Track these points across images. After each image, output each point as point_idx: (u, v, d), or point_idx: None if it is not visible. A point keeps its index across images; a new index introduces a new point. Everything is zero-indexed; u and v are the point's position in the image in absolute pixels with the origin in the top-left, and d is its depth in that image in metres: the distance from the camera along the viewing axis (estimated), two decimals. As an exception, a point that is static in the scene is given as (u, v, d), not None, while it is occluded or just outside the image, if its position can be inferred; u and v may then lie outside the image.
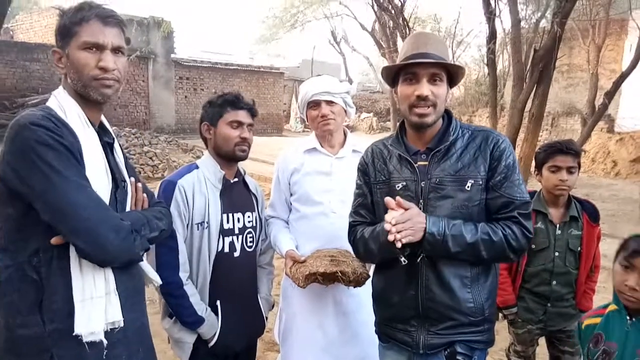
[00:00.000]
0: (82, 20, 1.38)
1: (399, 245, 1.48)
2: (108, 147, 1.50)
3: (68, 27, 1.39)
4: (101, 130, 1.49)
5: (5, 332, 1.37)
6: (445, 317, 1.66)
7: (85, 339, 1.33)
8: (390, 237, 1.48)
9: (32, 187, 1.27)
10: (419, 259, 1.63)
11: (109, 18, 1.41)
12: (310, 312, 2.26)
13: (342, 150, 2.31)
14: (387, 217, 1.52)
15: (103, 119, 1.53)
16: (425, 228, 1.53)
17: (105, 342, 1.37)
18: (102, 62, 1.39)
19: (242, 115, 2.07)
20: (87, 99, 1.42)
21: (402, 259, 1.57)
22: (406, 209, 1.53)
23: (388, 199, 1.55)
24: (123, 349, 1.47)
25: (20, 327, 1.34)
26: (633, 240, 1.55)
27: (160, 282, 1.66)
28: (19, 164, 1.27)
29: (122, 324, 1.41)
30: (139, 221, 1.47)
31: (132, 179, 1.59)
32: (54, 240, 1.31)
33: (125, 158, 1.61)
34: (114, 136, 1.56)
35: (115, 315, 1.39)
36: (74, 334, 1.32)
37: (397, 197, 1.55)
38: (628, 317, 1.53)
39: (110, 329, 1.39)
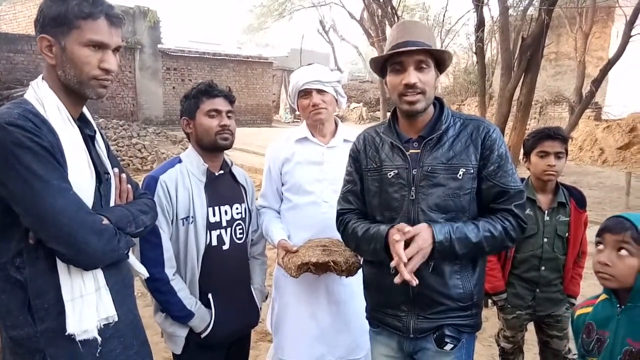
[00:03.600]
0: (89, 16, 1.32)
1: (414, 283, 1.49)
2: (90, 140, 1.46)
3: (68, 17, 1.31)
4: (82, 123, 1.45)
5: (3, 332, 1.36)
6: (435, 303, 1.68)
7: (78, 338, 1.32)
8: (398, 277, 1.49)
9: (10, 190, 1.23)
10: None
11: (116, 19, 1.38)
12: (302, 301, 2.27)
13: (334, 139, 2.30)
14: (397, 253, 1.49)
15: (85, 110, 1.48)
16: (434, 240, 1.54)
17: (99, 339, 1.35)
18: (106, 64, 1.36)
19: (219, 103, 2.03)
20: (77, 95, 1.39)
21: (394, 269, 1.56)
22: (412, 235, 1.52)
23: (396, 237, 1.52)
24: (117, 343, 1.46)
25: (12, 328, 1.33)
26: (605, 220, 1.58)
27: (147, 274, 1.65)
28: None
29: (116, 319, 1.40)
30: (124, 218, 1.44)
31: (116, 169, 1.56)
32: (31, 239, 1.29)
33: (108, 148, 1.57)
34: (95, 128, 1.51)
35: (107, 311, 1.37)
36: (66, 333, 1.30)
37: (401, 225, 1.55)
38: (618, 305, 1.55)
39: (104, 324, 1.38)
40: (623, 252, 1.48)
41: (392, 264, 1.52)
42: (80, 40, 1.32)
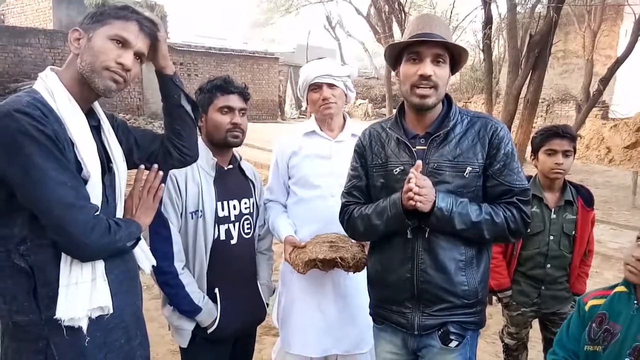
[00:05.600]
0: (122, 18, 1.41)
1: (418, 206, 1.52)
2: (95, 130, 1.47)
3: (104, 15, 1.39)
4: (89, 113, 1.46)
5: (6, 317, 1.37)
6: (440, 299, 1.67)
7: (64, 324, 1.32)
8: (411, 201, 1.52)
9: (11, 177, 1.26)
10: (421, 238, 1.65)
11: (146, 26, 1.45)
12: (309, 295, 2.27)
13: (342, 134, 2.30)
14: (411, 179, 1.52)
15: (95, 104, 1.50)
16: (435, 202, 1.55)
17: (85, 330, 1.35)
18: (122, 59, 1.39)
19: (233, 100, 2.03)
20: (87, 87, 1.40)
21: (409, 231, 1.61)
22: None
23: (416, 166, 1.56)
24: (121, 334, 1.47)
25: (17, 313, 1.34)
26: None
27: (148, 271, 1.64)
28: (0, 152, 1.25)
29: (111, 310, 1.40)
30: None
31: (155, 165, 1.59)
32: None
33: (120, 141, 1.58)
34: (99, 118, 1.52)
35: (101, 301, 1.37)
36: (54, 317, 1.31)
37: (418, 162, 1.57)
38: (636, 302, 1.55)
39: (99, 315, 1.38)
40: None
41: (410, 185, 1.52)
42: (107, 34, 1.38)
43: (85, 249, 1.31)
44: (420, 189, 1.52)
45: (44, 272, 1.32)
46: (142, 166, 1.59)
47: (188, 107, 1.65)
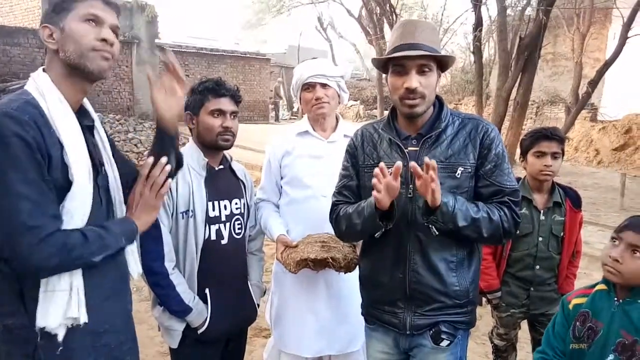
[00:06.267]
0: None
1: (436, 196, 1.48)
2: (88, 131, 1.45)
3: (66, 2, 1.36)
4: (80, 114, 1.44)
5: None
6: (432, 300, 1.69)
7: (43, 330, 1.30)
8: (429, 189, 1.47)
9: None
10: (413, 239, 1.66)
11: (110, 1, 1.42)
12: (302, 295, 2.28)
13: (334, 134, 2.31)
14: (420, 171, 1.47)
15: (85, 101, 1.48)
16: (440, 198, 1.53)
17: (60, 339, 1.32)
18: (103, 34, 1.37)
19: (225, 103, 2.02)
20: (80, 74, 1.38)
21: (380, 232, 1.61)
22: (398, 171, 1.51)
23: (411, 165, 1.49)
24: (113, 338, 1.45)
25: (6, 316, 1.33)
26: (629, 218, 1.61)
27: (136, 276, 1.59)
28: None
29: (85, 321, 1.35)
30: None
31: (164, 159, 1.51)
32: None
33: (112, 145, 1.57)
34: (93, 118, 1.50)
35: (75, 312, 1.33)
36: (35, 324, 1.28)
37: (412, 163, 1.51)
38: (615, 299, 1.58)
39: (75, 324, 1.34)
40: (638, 254, 1.51)
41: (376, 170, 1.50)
42: (77, 17, 1.35)
43: (30, 269, 1.26)
44: (433, 180, 1.47)
45: (30, 277, 1.30)
46: (150, 159, 1.51)
47: (173, 164, 1.58)
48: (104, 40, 1.37)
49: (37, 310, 1.29)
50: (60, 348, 1.34)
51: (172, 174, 1.58)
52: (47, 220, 1.26)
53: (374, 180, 1.51)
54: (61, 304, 1.31)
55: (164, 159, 1.51)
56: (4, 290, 1.32)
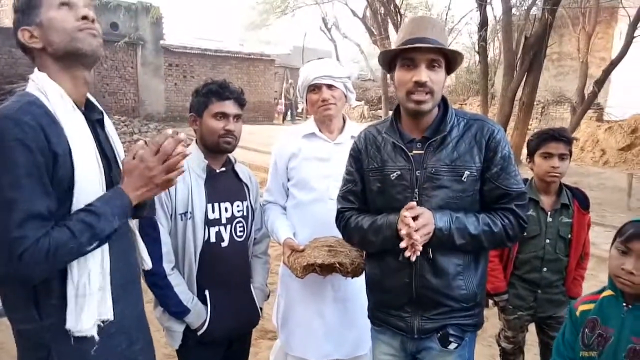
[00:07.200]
0: None
1: (414, 257, 1.48)
2: (98, 124, 1.44)
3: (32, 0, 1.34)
4: (88, 109, 1.43)
5: (12, 325, 1.36)
6: (439, 304, 1.68)
7: (74, 335, 1.30)
8: (408, 250, 1.48)
9: None
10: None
11: None
12: (309, 299, 2.27)
13: (341, 136, 2.28)
14: (407, 223, 1.47)
15: (89, 96, 1.46)
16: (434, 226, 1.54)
17: (97, 338, 1.33)
18: (82, 12, 1.35)
19: (228, 106, 2.02)
20: (73, 60, 1.36)
21: (402, 256, 1.54)
22: (418, 213, 1.51)
23: (405, 214, 1.50)
24: (123, 339, 1.45)
25: (20, 321, 1.33)
26: (631, 225, 1.57)
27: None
28: None
29: (112, 319, 1.36)
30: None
31: (169, 130, 1.44)
32: None
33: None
34: (101, 110, 1.49)
35: (105, 313, 1.34)
36: (65, 327, 1.28)
37: (409, 204, 1.53)
38: (624, 304, 1.55)
39: (103, 321, 1.36)
40: None
41: (403, 232, 1.48)
42: (50, 7, 1.33)
43: (16, 280, 1.24)
44: (420, 230, 1.48)
45: (45, 283, 1.28)
46: (169, 130, 1.39)
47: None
48: (84, 17, 1.35)
49: (68, 314, 1.28)
50: (73, 352, 1.33)
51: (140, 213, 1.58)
52: (34, 225, 1.20)
53: (400, 226, 1.51)
54: (94, 305, 1.32)
55: (182, 135, 1.39)
56: (19, 296, 1.31)
